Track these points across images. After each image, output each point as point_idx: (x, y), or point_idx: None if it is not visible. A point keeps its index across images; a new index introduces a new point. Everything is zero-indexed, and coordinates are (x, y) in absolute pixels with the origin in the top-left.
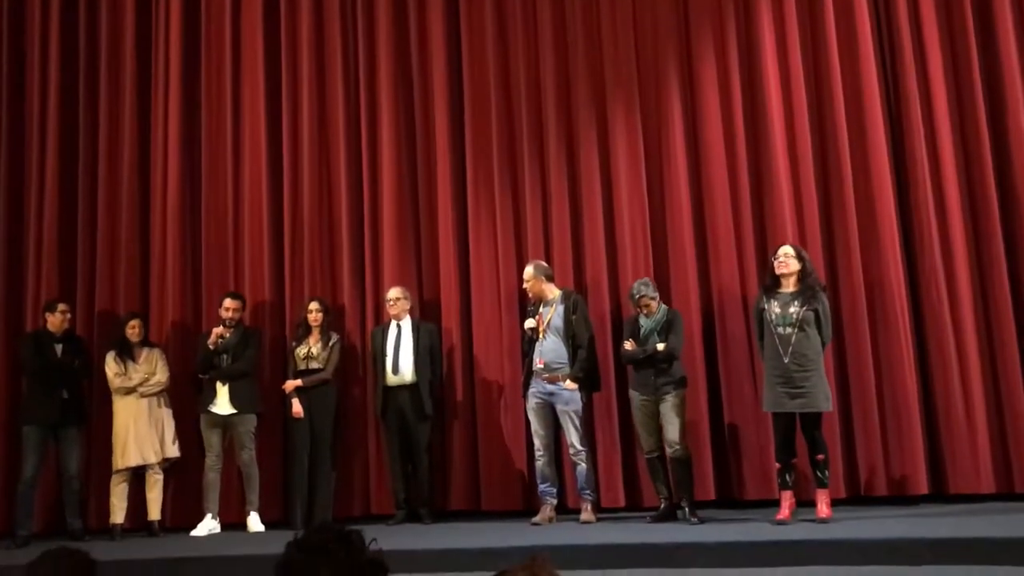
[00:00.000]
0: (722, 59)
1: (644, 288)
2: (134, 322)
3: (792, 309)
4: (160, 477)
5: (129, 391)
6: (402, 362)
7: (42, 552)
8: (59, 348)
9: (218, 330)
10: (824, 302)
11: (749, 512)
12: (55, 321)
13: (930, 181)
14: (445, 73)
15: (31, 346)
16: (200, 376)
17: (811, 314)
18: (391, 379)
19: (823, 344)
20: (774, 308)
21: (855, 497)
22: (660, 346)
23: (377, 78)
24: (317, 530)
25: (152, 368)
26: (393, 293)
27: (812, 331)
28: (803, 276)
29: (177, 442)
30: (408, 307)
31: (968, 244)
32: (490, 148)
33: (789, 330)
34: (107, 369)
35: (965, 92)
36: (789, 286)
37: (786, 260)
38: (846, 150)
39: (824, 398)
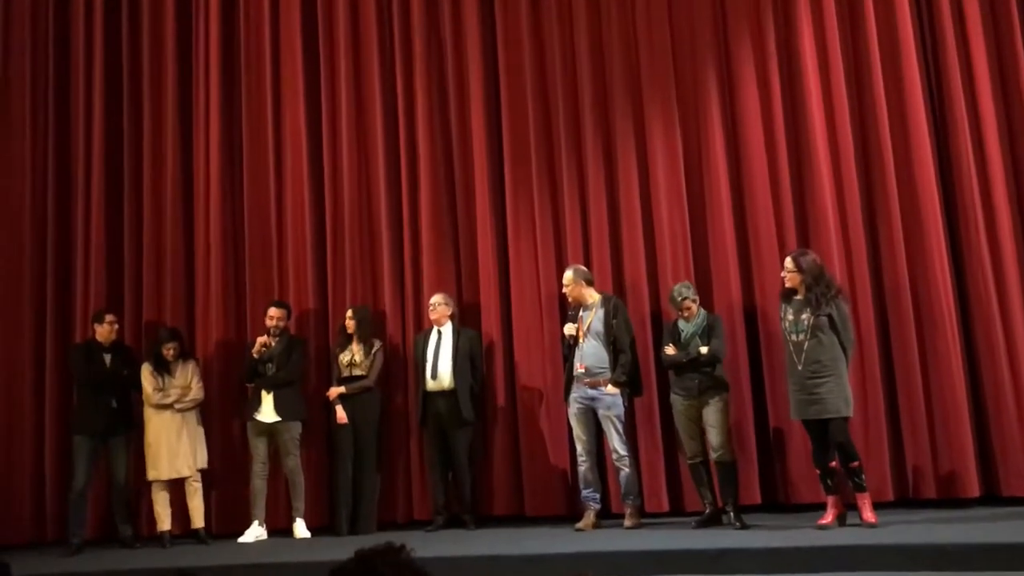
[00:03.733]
0: (760, 56)
1: (685, 290)
2: (170, 345)
3: (804, 316)
4: (199, 486)
5: (166, 407)
6: (441, 367)
7: None
8: (108, 358)
9: (262, 339)
10: (840, 307)
11: (796, 517)
12: (103, 331)
13: (975, 172)
14: (481, 77)
15: (81, 356)
16: (246, 384)
17: (824, 319)
18: (430, 384)
19: (845, 349)
20: (788, 316)
21: (903, 500)
22: (703, 349)
23: (414, 85)
24: (372, 549)
25: (187, 381)
26: (435, 299)
27: (827, 336)
28: (807, 286)
29: (206, 453)
30: (449, 313)
31: (1016, 236)
32: (528, 151)
33: (801, 337)
34: (144, 383)
35: (1010, 83)
36: (800, 294)
37: (786, 273)
38: (888, 147)
39: (844, 403)
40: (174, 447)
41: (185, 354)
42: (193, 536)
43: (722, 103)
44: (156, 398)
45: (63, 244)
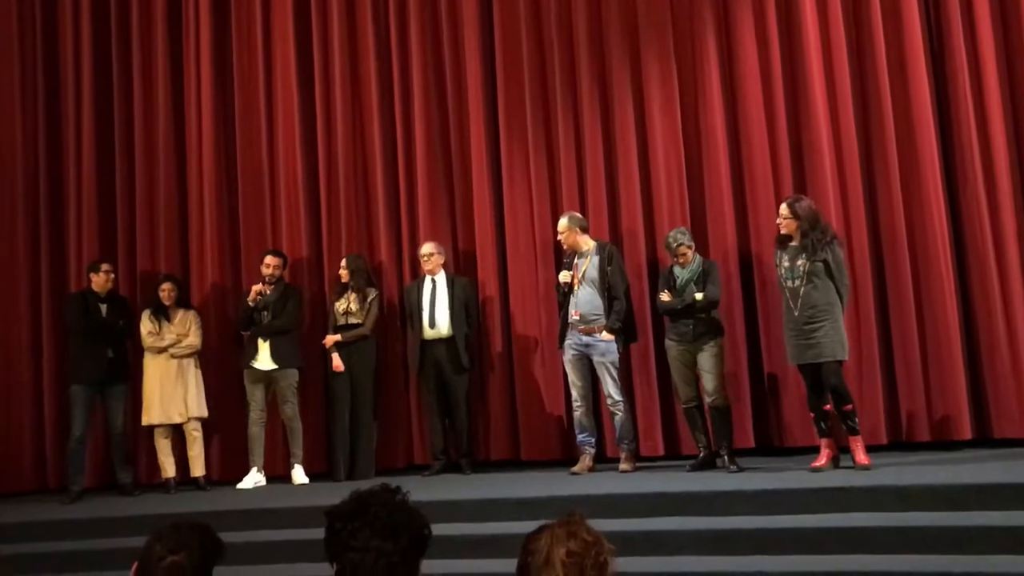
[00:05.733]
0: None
1: (681, 236)
2: (165, 285)
3: (799, 262)
4: (198, 435)
5: (160, 351)
6: (438, 316)
7: (169, 524)
8: (104, 308)
9: (257, 287)
10: (835, 252)
11: (790, 460)
12: (99, 281)
13: (974, 115)
14: (476, 22)
15: (77, 306)
16: (241, 332)
17: (819, 265)
18: (428, 333)
19: (841, 294)
20: (784, 262)
21: (896, 443)
22: (698, 295)
23: (408, 30)
24: (368, 490)
25: (185, 329)
26: (426, 248)
27: (822, 282)
28: (803, 232)
29: (204, 402)
30: (442, 261)
31: (1013, 180)
32: (522, 97)
33: (797, 282)
34: (141, 327)
35: (1011, 17)
36: (796, 240)
37: (781, 220)
38: (886, 88)
39: (839, 347)
40: (167, 393)
41: (186, 302)
42: (193, 483)
43: (719, 48)
44: (149, 340)
45: (55, 195)
